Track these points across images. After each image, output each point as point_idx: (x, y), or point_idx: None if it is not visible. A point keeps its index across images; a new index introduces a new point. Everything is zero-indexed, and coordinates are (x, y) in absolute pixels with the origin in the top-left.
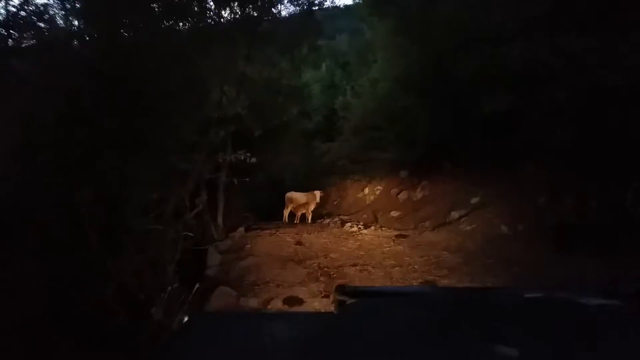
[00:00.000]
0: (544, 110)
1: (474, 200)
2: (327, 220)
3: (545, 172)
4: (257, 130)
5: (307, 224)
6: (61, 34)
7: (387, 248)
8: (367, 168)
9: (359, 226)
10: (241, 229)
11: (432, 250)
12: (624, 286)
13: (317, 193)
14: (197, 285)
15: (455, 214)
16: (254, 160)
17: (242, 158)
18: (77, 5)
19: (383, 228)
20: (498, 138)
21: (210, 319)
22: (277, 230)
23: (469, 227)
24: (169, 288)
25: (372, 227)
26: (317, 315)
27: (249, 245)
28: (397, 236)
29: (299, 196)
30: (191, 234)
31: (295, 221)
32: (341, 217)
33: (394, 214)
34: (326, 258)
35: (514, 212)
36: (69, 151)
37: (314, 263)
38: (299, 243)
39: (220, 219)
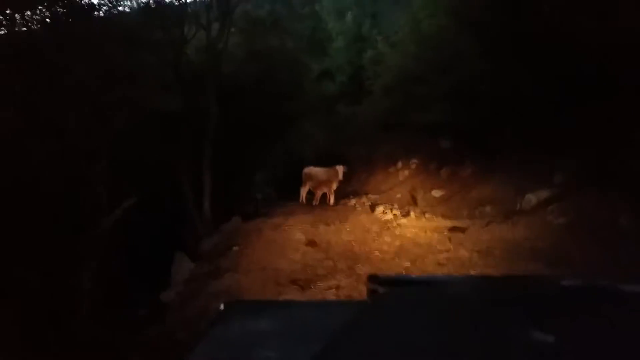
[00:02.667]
0: None
1: (559, 179)
2: (353, 201)
3: None
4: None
5: (328, 207)
6: None
7: (444, 253)
8: (401, 136)
9: (394, 212)
10: (237, 218)
11: (516, 259)
12: None
13: (340, 168)
14: None
15: (532, 198)
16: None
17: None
18: None
19: (426, 215)
20: (598, 88)
21: (245, 307)
22: (287, 220)
23: (562, 220)
24: None
25: (412, 214)
26: (350, 303)
27: (237, 248)
28: (451, 230)
29: (318, 172)
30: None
31: (314, 202)
32: (369, 196)
33: (435, 193)
34: (350, 276)
35: (636, 196)
36: None
37: (331, 288)
38: (311, 243)
39: (207, 206)
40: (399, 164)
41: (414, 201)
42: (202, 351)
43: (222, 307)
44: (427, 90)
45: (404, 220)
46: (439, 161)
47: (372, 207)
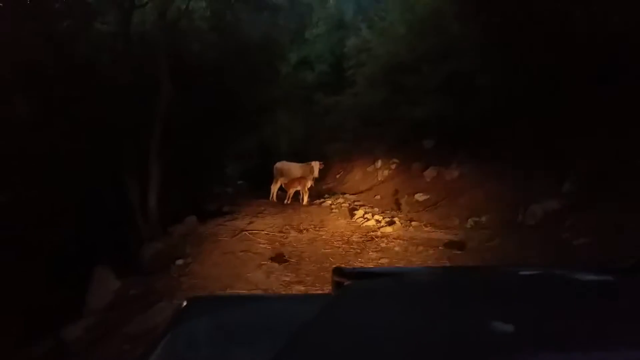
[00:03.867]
0: None
1: (567, 188)
2: (329, 202)
3: None
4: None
5: (301, 207)
6: None
7: None
8: (382, 132)
9: (377, 216)
10: (192, 218)
11: None
12: (619, 262)
13: (316, 164)
14: None
15: (537, 210)
16: None
17: None
18: None
19: (413, 223)
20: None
21: (208, 302)
22: (252, 222)
23: (582, 240)
24: None
25: (397, 221)
26: (315, 297)
27: (181, 261)
28: (447, 245)
29: (292, 168)
30: None
31: (286, 201)
32: (346, 196)
33: (419, 197)
34: None
35: None
36: None
37: None
38: (278, 257)
39: (153, 202)
40: (379, 163)
41: (397, 206)
42: (165, 350)
43: (184, 303)
44: (418, 81)
45: (388, 229)
46: (422, 161)
47: (351, 211)
